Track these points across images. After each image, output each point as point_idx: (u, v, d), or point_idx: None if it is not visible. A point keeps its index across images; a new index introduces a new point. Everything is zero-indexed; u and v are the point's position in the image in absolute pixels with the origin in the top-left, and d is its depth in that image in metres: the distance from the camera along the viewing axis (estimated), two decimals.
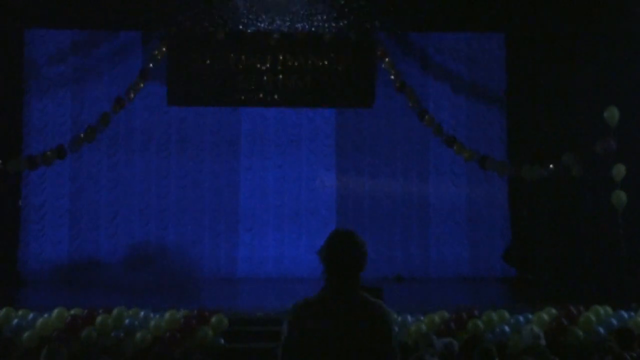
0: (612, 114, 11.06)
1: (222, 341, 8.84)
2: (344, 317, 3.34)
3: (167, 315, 8.89)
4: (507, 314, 9.07)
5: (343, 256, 3.46)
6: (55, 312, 8.87)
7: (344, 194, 14.83)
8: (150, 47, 14.05)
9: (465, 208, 14.87)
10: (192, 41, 13.67)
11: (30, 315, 8.94)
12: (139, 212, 14.61)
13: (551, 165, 12.26)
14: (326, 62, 13.89)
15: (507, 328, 8.80)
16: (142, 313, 9.05)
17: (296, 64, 13.85)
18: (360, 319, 3.36)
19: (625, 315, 9.16)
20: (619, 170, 11.04)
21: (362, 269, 3.48)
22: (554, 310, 9.16)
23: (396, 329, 3.74)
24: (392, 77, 13.76)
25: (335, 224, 14.75)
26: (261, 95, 13.85)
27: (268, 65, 13.76)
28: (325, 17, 13.06)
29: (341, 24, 13.15)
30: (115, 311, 8.93)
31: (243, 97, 13.90)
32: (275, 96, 13.91)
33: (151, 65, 13.69)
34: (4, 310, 8.99)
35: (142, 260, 14.38)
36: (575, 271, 12.62)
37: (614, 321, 8.95)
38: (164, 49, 13.73)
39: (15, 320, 8.81)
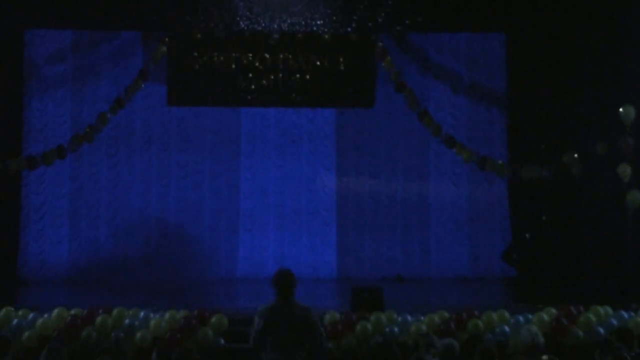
0: (628, 112, 11.03)
1: (222, 341, 8.84)
2: (288, 313, 6.29)
3: (167, 315, 8.88)
4: (507, 314, 9.07)
5: (286, 283, 6.41)
6: (55, 312, 8.87)
7: (344, 194, 14.83)
8: (150, 47, 14.05)
9: (465, 208, 14.87)
10: (192, 41, 13.66)
11: (30, 315, 8.94)
12: (139, 212, 14.61)
13: (547, 170, 12.29)
14: (326, 62, 13.88)
15: (507, 328, 8.80)
16: (142, 313, 9.05)
17: (296, 64, 13.84)
18: (296, 313, 6.29)
19: (625, 315, 9.16)
20: (625, 170, 11.03)
21: (295, 288, 6.40)
22: (554, 310, 9.15)
23: (316, 317, 6.40)
24: (392, 77, 13.75)
25: (335, 224, 14.78)
26: (261, 95, 13.84)
27: (268, 65, 13.75)
28: (325, 16, 13.06)
29: (341, 23, 13.15)
30: (115, 311, 8.93)
31: (243, 97, 13.89)
32: (275, 96, 13.89)
33: (151, 65, 13.68)
34: (4, 310, 8.98)
35: (142, 260, 14.41)
36: (575, 271, 12.61)
37: (614, 321, 8.94)
38: (164, 49, 13.72)
39: (15, 320, 8.81)
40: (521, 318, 9.00)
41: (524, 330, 7.08)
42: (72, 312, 8.94)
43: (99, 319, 8.71)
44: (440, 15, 13.35)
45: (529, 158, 13.11)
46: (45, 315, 8.87)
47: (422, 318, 8.98)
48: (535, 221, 13.80)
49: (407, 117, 14.36)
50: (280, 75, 13.80)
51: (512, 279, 14.18)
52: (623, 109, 11.04)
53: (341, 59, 13.91)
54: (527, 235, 13.87)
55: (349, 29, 13.35)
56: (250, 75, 13.80)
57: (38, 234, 14.35)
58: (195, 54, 13.72)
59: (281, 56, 13.76)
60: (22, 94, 14.27)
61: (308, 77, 13.86)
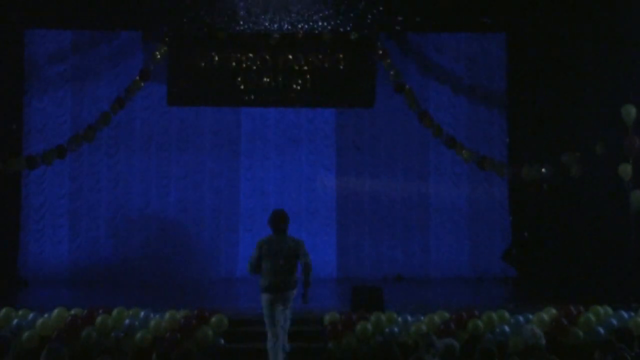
0: (629, 111, 11.03)
1: (222, 341, 8.84)
2: (280, 243, 7.94)
3: (167, 315, 8.89)
4: (507, 314, 9.08)
5: (279, 221, 8.01)
6: (55, 312, 8.88)
7: (344, 194, 14.82)
8: (150, 47, 14.05)
9: (465, 208, 14.86)
10: (192, 41, 13.66)
11: (30, 315, 8.95)
12: (139, 212, 14.60)
13: (544, 170, 12.28)
14: (326, 62, 13.87)
15: (507, 328, 8.81)
16: (142, 313, 9.05)
17: (296, 64, 13.83)
18: (288, 243, 7.95)
19: (625, 315, 9.16)
20: (626, 170, 11.03)
21: (287, 225, 8.03)
22: (554, 310, 9.16)
23: (305, 248, 8.00)
24: (392, 77, 13.75)
25: (336, 224, 14.77)
26: (261, 95, 13.84)
27: (268, 65, 13.74)
28: (325, 17, 13.06)
29: (341, 23, 13.15)
30: (115, 311, 8.94)
31: (243, 97, 13.89)
32: (276, 96, 13.89)
33: (151, 65, 13.69)
34: (4, 310, 8.99)
35: (142, 260, 14.40)
36: (575, 271, 12.61)
37: (614, 321, 8.95)
38: (164, 49, 13.72)
39: (15, 320, 8.81)
40: (521, 318, 9.01)
41: (527, 331, 7.08)
42: (72, 312, 8.95)
43: (99, 319, 8.72)
44: (440, 15, 13.35)
45: (529, 158, 13.10)
46: (45, 315, 8.87)
47: (422, 318, 8.99)
48: (536, 221, 13.81)
49: (407, 117, 14.36)
50: (280, 75, 13.80)
51: (512, 279, 14.18)
52: (624, 109, 11.04)
53: (341, 59, 13.90)
54: (525, 234, 13.88)
55: (349, 29, 13.36)
56: (250, 75, 13.80)
57: (38, 234, 14.35)
58: (195, 54, 13.71)
59: (281, 56, 13.75)
60: (22, 93, 14.28)
61: (308, 77, 13.85)
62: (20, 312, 9.04)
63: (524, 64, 14.12)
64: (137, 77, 13.59)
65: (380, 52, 13.89)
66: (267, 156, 14.81)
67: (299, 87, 13.84)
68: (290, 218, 8.04)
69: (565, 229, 13.25)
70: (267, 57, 13.69)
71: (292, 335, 9.13)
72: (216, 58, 13.74)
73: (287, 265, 7.90)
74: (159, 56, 13.73)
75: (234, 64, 13.77)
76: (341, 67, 13.91)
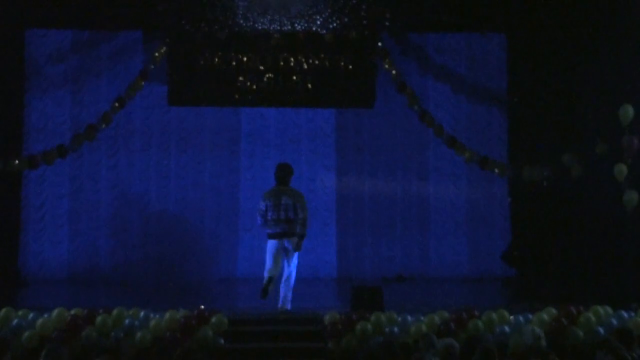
0: (626, 111, 11.04)
1: (222, 341, 8.84)
2: (281, 195, 9.45)
3: (167, 315, 8.88)
4: (507, 314, 9.07)
5: (282, 172, 9.59)
6: (55, 312, 8.87)
7: (344, 194, 14.82)
8: (150, 47, 14.04)
9: (465, 208, 14.87)
10: (192, 41, 13.63)
11: (30, 315, 8.93)
12: (139, 212, 14.60)
13: (548, 170, 12.28)
14: (326, 62, 13.85)
15: (507, 328, 8.80)
16: (142, 313, 9.05)
17: (296, 64, 13.82)
18: (288, 194, 9.44)
19: (625, 315, 9.16)
20: (621, 170, 11.04)
21: (290, 177, 9.66)
22: (554, 310, 9.15)
23: (304, 202, 9.49)
24: (393, 77, 13.74)
25: (335, 224, 14.77)
26: (261, 95, 13.83)
27: (268, 65, 13.74)
28: (325, 16, 13.06)
29: (341, 23, 13.15)
30: (115, 311, 8.93)
31: (243, 97, 13.87)
32: (275, 96, 13.88)
33: (152, 65, 13.68)
34: (4, 310, 8.98)
35: (142, 260, 14.40)
36: (575, 271, 12.62)
37: (614, 321, 8.95)
38: (164, 48, 13.72)
39: (15, 320, 8.81)
40: (521, 318, 9.00)
41: (527, 331, 7.08)
42: (72, 312, 8.93)
43: (99, 319, 8.71)
44: (440, 15, 13.35)
45: (529, 158, 13.10)
46: (45, 315, 8.86)
47: (422, 318, 8.99)
48: (535, 221, 13.81)
49: (407, 117, 14.37)
50: (280, 75, 13.78)
51: (512, 279, 14.18)
52: (621, 109, 11.05)
53: (341, 59, 13.88)
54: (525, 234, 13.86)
55: (350, 29, 13.35)
56: (250, 75, 13.78)
57: (38, 234, 14.34)
58: (195, 54, 13.71)
59: (281, 56, 13.75)
60: (22, 93, 14.28)
61: (308, 77, 13.84)
62: (20, 312, 9.03)
63: (524, 64, 14.12)
64: (138, 77, 13.59)
65: (381, 52, 13.88)
66: (267, 156, 14.79)
67: (299, 87, 13.83)
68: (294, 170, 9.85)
69: (565, 229, 13.25)
70: (267, 57, 13.68)
71: (292, 335, 9.15)
72: (216, 58, 13.72)
73: (287, 215, 9.47)
74: (159, 56, 13.71)
75: (234, 64, 13.74)
76: (341, 67, 13.89)
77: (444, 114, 14.52)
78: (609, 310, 9.27)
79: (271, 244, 9.63)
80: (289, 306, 9.74)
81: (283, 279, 9.77)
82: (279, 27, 13.22)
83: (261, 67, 13.75)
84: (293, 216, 9.54)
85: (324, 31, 13.43)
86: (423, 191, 14.86)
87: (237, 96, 13.85)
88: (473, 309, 9.19)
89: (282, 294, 9.75)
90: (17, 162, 12.83)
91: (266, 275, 9.69)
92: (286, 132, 14.90)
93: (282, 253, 9.69)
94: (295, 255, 9.79)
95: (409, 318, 9.02)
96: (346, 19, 13.11)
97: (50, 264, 14.24)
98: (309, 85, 13.84)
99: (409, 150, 14.89)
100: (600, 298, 9.93)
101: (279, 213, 9.52)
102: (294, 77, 13.78)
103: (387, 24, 13.28)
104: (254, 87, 13.78)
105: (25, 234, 14.26)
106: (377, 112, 14.51)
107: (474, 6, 13.35)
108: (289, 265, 9.72)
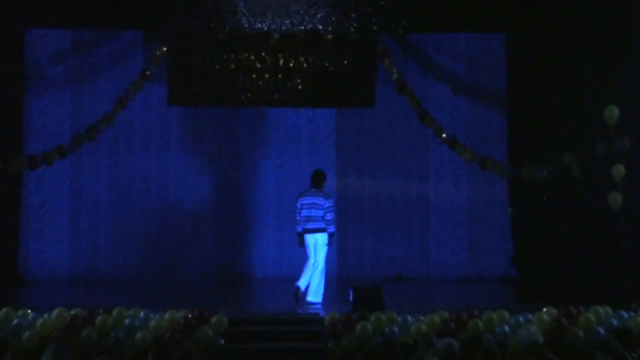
0: (612, 112, 11.04)
1: (222, 341, 8.84)
2: (312, 197, 10.85)
3: (167, 315, 8.88)
4: (507, 314, 9.07)
5: (316, 177, 10.96)
6: (55, 312, 8.87)
7: (344, 194, 14.83)
8: (150, 47, 14.04)
9: (465, 208, 14.87)
10: (192, 41, 13.63)
11: (30, 315, 8.94)
12: (139, 212, 14.60)
13: (548, 170, 12.28)
14: (327, 62, 13.85)
15: (507, 328, 8.80)
16: (142, 313, 9.05)
17: (296, 64, 13.82)
18: (319, 197, 10.90)
19: (625, 315, 9.16)
20: (618, 171, 11.03)
21: (323, 182, 11.04)
22: (554, 310, 9.16)
23: (332, 210, 10.99)
24: (393, 78, 13.73)
25: (335, 224, 14.74)
26: (261, 95, 13.83)
27: (268, 65, 13.74)
28: (325, 17, 13.06)
29: (342, 23, 13.15)
30: (115, 311, 8.93)
31: (243, 97, 13.87)
32: (276, 96, 13.88)
33: (152, 65, 13.68)
34: (4, 310, 8.98)
35: (142, 260, 14.41)
36: (575, 271, 12.62)
37: (614, 321, 8.95)
38: (164, 49, 13.71)
39: (15, 320, 8.81)
40: (521, 318, 9.00)
41: (523, 330, 7.08)
42: (72, 312, 8.93)
43: (99, 319, 8.71)
44: (440, 15, 13.34)
45: (529, 158, 13.10)
46: (45, 315, 8.86)
47: (422, 318, 8.99)
48: (535, 221, 13.81)
49: (407, 117, 14.37)
50: (280, 75, 13.78)
51: (512, 279, 14.18)
52: (606, 110, 11.05)
53: (342, 59, 13.88)
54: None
55: (350, 29, 13.35)
56: (250, 75, 13.78)
57: (38, 234, 14.33)
58: (195, 54, 13.71)
59: (281, 56, 13.75)
60: (23, 93, 14.27)
61: (308, 77, 13.84)
62: (20, 312, 9.03)
63: (524, 64, 14.12)
64: (138, 77, 13.58)
65: (381, 52, 13.88)
66: (267, 156, 14.81)
67: (299, 87, 13.82)
68: (326, 176, 11.24)
69: (565, 229, 13.25)
70: (267, 57, 13.68)
71: (292, 335, 9.15)
72: (216, 58, 13.72)
73: (315, 216, 10.85)
74: (159, 56, 13.71)
75: (233, 64, 13.75)
76: (341, 67, 13.90)
77: (444, 114, 14.52)
78: (609, 310, 9.27)
79: (304, 240, 10.97)
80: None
81: (313, 271, 10.86)
82: (278, 27, 13.21)
83: (261, 67, 13.75)
84: (319, 217, 10.88)
85: (324, 31, 13.42)
86: (423, 191, 14.86)
87: (236, 96, 13.85)
88: (473, 309, 9.19)
89: (311, 285, 10.84)
90: (17, 162, 12.81)
91: (305, 269, 10.90)
92: (286, 132, 14.90)
93: (312, 247, 10.91)
94: (325, 249, 10.99)
95: (409, 318, 9.01)
96: (346, 19, 13.10)
97: (50, 264, 14.23)
98: (309, 86, 13.84)
99: (409, 150, 14.89)
100: (600, 298, 9.93)
101: (308, 212, 10.89)
102: (294, 77, 13.78)
103: (387, 24, 13.27)
104: (254, 87, 13.78)
105: (25, 234, 14.25)
106: (377, 112, 14.51)
107: (474, 6, 13.34)
108: (317, 261, 10.90)
